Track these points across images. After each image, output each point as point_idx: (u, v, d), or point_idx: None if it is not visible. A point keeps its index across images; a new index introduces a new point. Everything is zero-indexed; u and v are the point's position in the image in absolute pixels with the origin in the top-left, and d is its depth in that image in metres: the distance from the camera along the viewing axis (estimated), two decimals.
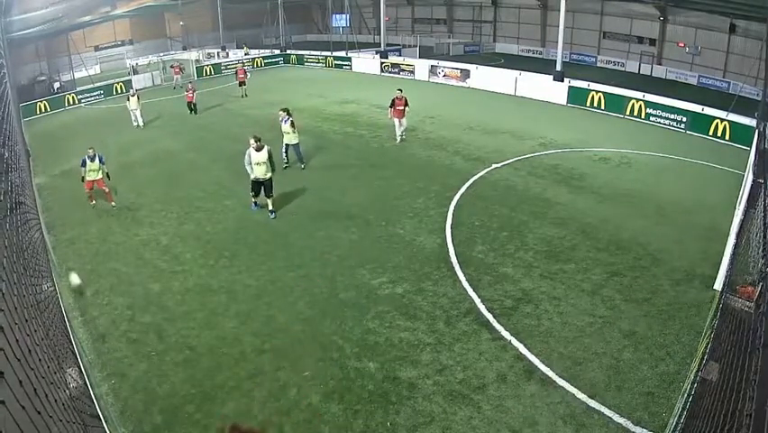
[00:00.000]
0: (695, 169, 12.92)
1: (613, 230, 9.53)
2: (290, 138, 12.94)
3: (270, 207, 10.61)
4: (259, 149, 10.01)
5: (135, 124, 19.28)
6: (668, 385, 5.75)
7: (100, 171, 11.24)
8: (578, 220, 10.00)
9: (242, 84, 24.10)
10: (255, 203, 10.85)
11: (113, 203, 11.48)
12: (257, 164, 10.05)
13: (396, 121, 15.11)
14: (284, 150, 13.17)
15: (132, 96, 19.23)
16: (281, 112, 12.91)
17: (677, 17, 31.77)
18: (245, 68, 25.85)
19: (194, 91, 20.86)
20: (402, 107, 14.71)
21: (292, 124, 12.76)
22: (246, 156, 10.10)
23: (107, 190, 11.40)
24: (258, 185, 10.37)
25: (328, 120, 18.86)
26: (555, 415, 5.43)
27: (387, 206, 10.94)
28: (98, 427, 3.80)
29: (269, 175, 10.27)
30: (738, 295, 4.48)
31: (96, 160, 11.10)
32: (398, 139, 15.45)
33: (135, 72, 30.47)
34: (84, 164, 11.02)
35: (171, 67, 29.15)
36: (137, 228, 10.43)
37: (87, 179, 11.11)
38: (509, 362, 6.25)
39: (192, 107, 20.72)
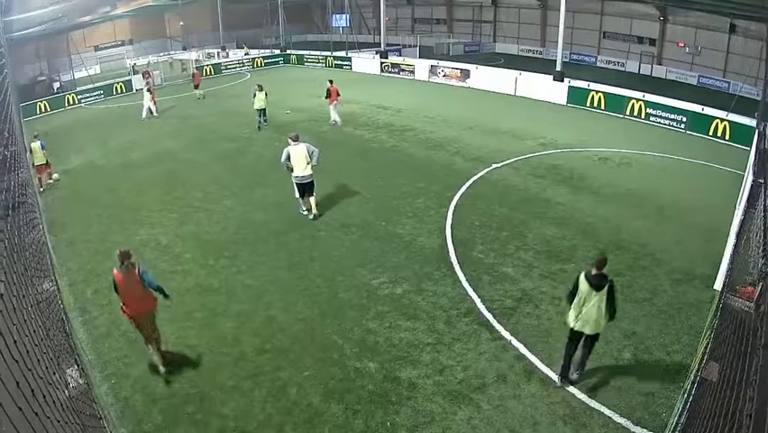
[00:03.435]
0: (695, 169, 12.93)
1: (613, 230, 9.54)
2: (262, 105, 17.63)
3: (316, 211, 10.42)
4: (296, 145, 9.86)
5: (147, 116, 20.54)
6: (668, 385, 5.75)
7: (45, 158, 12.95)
8: (578, 220, 10.00)
9: (196, 87, 24.42)
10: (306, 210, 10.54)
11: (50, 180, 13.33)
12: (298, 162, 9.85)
13: (331, 106, 17.48)
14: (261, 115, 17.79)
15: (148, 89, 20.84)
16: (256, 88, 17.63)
17: (677, 17, 31.76)
18: (198, 72, 27.14)
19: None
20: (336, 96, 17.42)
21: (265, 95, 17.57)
22: (283, 154, 9.89)
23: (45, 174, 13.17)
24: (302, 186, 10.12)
25: (328, 120, 18.84)
26: (555, 415, 5.43)
27: (387, 206, 10.94)
28: (98, 427, 3.80)
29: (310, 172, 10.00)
30: (738, 295, 4.48)
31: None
32: (338, 122, 17.65)
33: (135, 72, 30.46)
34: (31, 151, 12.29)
35: (143, 74, 29.16)
36: (137, 228, 10.42)
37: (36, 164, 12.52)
38: (509, 362, 6.25)
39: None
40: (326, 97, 17.45)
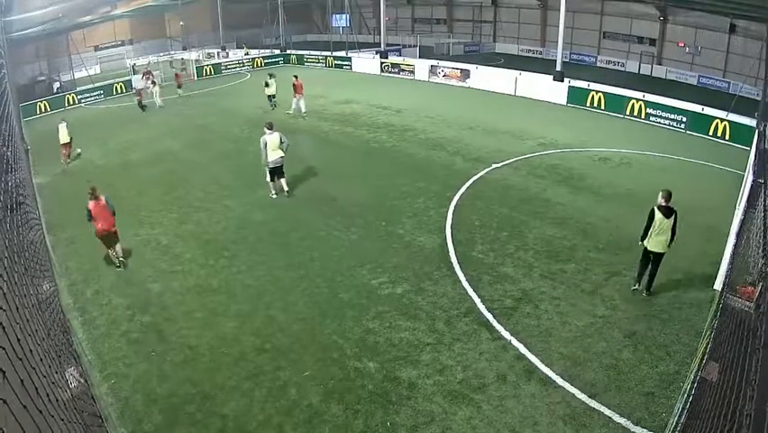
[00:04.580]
0: (695, 169, 12.93)
1: (613, 230, 9.54)
2: (272, 91, 20.77)
3: (287, 189, 11.55)
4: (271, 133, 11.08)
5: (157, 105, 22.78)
6: (668, 385, 5.75)
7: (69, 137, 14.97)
8: (578, 220, 10.00)
9: (179, 87, 25.61)
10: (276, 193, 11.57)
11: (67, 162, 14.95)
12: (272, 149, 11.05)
13: (296, 99, 19.13)
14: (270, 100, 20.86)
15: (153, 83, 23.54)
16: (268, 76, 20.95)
17: (677, 17, 31.76)
18: (182, 72, 28.68)
19: (139, 92, 23.53)
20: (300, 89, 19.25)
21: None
22: (261, 142, 11.04)
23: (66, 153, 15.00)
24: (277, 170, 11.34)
25: (328, 120, 18.87)
26: (555, 415, 5.43)
27: (387, 206, 10.94)
28: (98, 426, 3.80)
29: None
30: (738, 295, 4.48)
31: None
32: (302, 112, 19.13)
33: (135, 72, 30.46)
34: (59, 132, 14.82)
35: (144, 74, 29.22)
36: (137, 228, 10.43)
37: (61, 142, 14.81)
38: (509, 362, 6.25)
39: (140, 105, 22.98)
40: (295, 92, 19.22)
